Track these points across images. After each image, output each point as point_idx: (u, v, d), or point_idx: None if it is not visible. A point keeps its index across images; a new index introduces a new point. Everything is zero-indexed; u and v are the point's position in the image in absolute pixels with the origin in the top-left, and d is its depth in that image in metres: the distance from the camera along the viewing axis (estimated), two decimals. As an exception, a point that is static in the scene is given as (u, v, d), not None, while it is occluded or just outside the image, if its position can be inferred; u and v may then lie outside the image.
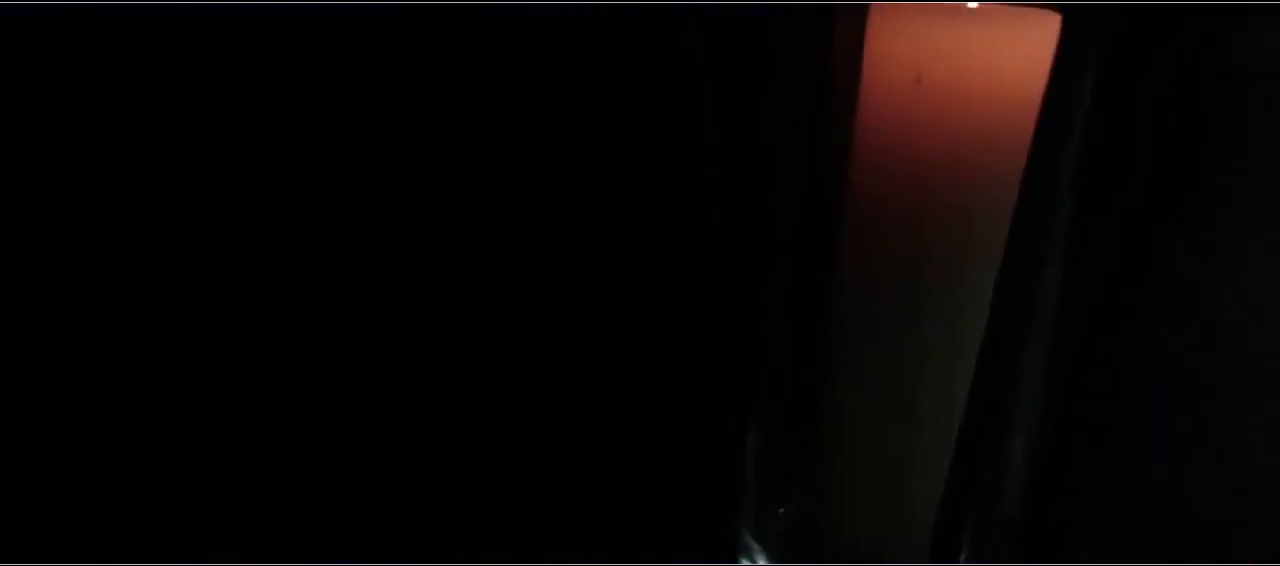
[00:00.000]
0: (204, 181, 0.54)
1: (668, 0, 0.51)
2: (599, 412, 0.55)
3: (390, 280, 0.55)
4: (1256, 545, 0.53)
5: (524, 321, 0.55)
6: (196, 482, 0.56)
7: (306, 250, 0.55)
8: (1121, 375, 0.54)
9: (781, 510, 0.50)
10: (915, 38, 0.47)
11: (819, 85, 0.49)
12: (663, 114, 0.53)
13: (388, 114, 0.54)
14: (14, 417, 0.55)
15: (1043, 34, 0.47)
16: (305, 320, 0.55)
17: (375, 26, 0.53)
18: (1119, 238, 0.50)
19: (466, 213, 0.55)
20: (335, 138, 0.54)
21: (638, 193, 0.54)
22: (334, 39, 0.53)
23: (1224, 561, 0.52)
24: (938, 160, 0.47)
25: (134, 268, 0.55)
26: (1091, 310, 0.50)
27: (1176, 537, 0.53)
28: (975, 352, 0.48)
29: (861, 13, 0.48)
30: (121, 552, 0.54)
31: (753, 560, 0.50)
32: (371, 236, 0.55)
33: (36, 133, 0.54)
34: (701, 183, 0.50)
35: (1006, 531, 0.49)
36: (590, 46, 0.53)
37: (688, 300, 0.53)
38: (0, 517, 0.55)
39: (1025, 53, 0.47)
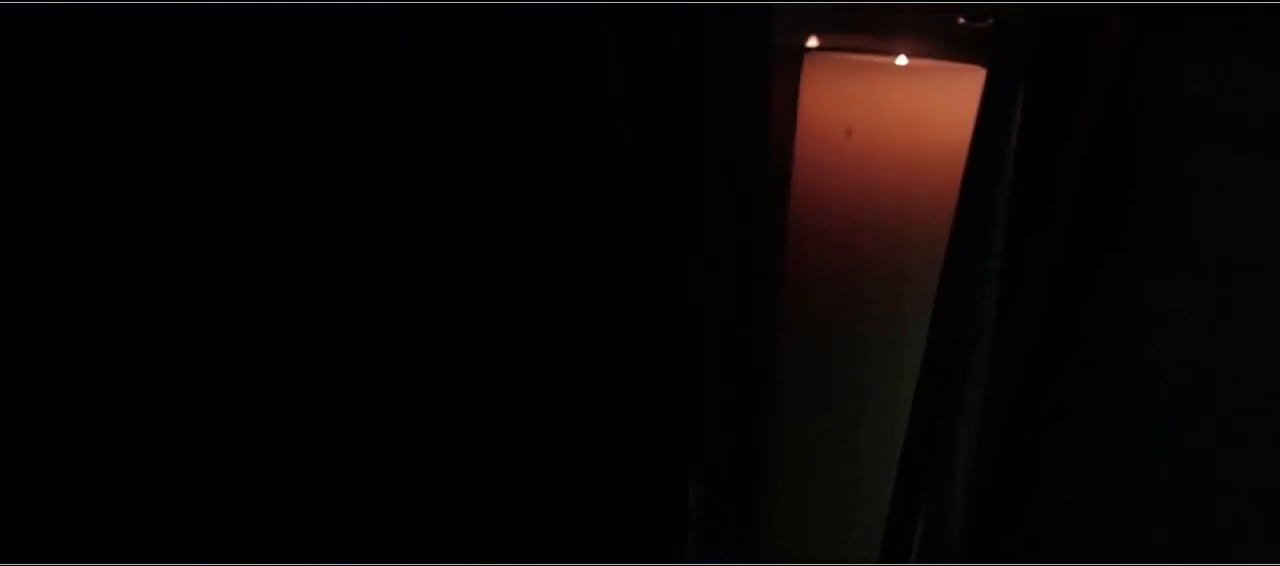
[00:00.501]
0: (166, 183, 0.55)
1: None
2: (538, 470, 0.56)
3: (327, 288, 0.56)
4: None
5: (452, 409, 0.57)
6: (159, 484, 0.56)
7: (259, 252, 0.56)
8: (1056, 418, 0.55)
9: (724, 562, 0.51)
10: (846, 91, 0.49)
11: (755, 134, 0.50)
12: (594, 162, 0.54)
13: (333, 120, 0.55)
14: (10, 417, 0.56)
15: (971, 89, 0.49)
16: (261, 323, 0.56)
17: (321, 31, 0.54)
18: (1050, 284, 0.51)
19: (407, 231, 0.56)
20: (284, 142, 0.55)
21: (575, 255, 0.55)
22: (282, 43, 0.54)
23: None
24: (870, 210, 0.49)
25: (100, 271, 0.56)
26: (1025, 355, 0.52)
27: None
28: (911, 397, 0.49)
29: (796, 64, 0.50)
30: (106, 552, 0.55)
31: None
32: (307, 242, 0.56)
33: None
34: (635, 234, 0.51)
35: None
36: (536, 81, 0.54)
37: (625, 352, 0.54)
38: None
39: (953, 107, 0.48)
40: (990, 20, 0.46)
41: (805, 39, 0.50)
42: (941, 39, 0.49)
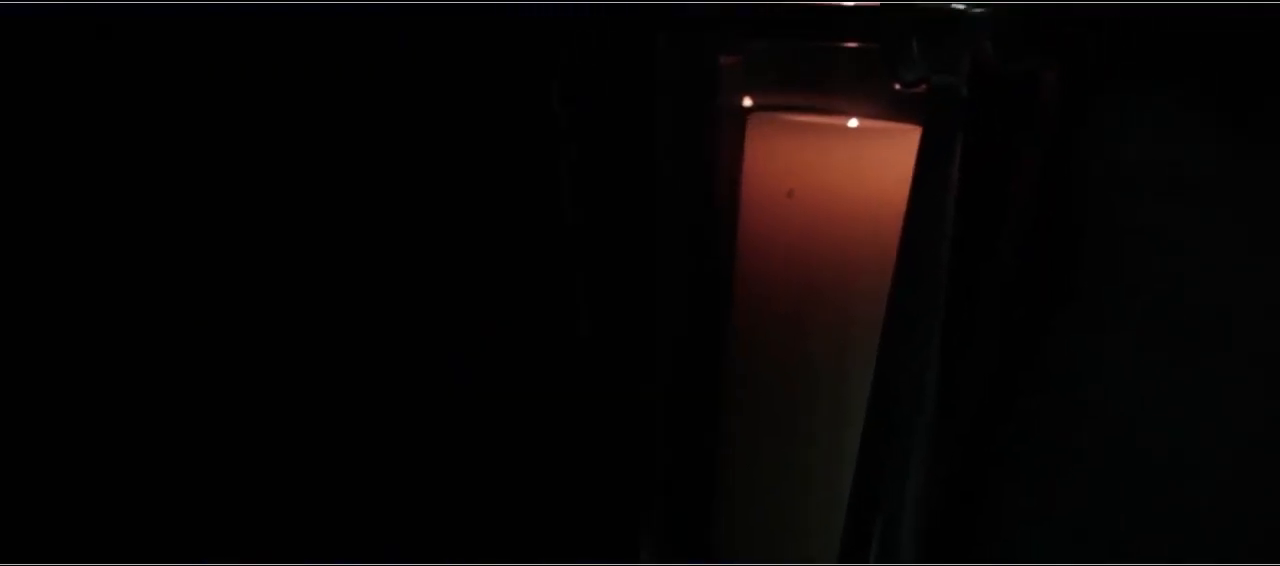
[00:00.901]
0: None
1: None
2: (493, 521, 0.57)
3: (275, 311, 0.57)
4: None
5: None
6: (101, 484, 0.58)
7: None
8: (1002, 467, 0.56)
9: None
10: (789, 151, 0.50)
11: (701, 192, 0.51)
12: (542, 223, 0.55)
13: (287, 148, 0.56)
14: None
15: (913, 149, 0.49)
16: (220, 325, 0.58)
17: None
18: (995, 336, 0.52)
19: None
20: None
21: (524, 314, 0.56)
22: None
23: None
24: (815, 269, 0.50)
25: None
26: (971, 407, 0.52)
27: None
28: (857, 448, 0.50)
29: (741, 123, 0.51)
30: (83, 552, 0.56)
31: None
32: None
33: None
34: (584, 292, 0.52)
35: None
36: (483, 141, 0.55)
37: (575, 411, 0.55)
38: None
39: (895, 167, 0.49)
40: (923, 85, 0.47)
41: (749, 98, 0.51)
42: (882, 100, 0.50)
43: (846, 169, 0.50)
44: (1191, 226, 0.56)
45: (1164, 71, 0.54)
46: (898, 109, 0.49)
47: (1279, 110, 0.56)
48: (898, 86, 0.47)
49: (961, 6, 0.47)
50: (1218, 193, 0.56)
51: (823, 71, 0.51)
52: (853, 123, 0.51)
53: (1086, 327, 0.56)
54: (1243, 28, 0.55)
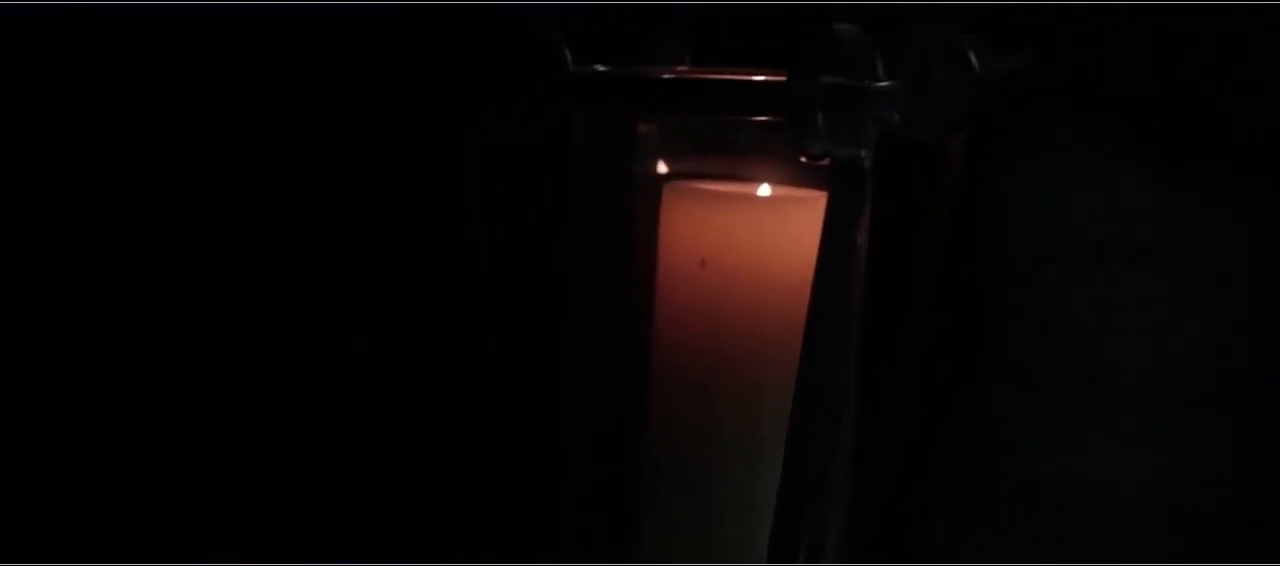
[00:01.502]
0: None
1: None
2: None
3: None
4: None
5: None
6: None
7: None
8: (921, 528, 0.57)
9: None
10: (701, 219, 0.51)
11: (617, 258, 0.52)
12: (457, 288, 0.56)
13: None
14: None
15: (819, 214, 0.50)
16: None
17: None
18: (909, 400, 0.53)
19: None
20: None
21: (438, 379, 0.57)
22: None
23: None
24: (727, 333, 0.51)
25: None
26: (888, 469, 0.53)
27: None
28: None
29: (655, 195, 0.52)
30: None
31: None
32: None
33: None
34: (497, 359, 0.53)
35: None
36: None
37: (488, 477, 0.56)
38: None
39: (806, 234, 0.50)
40: (828, 158, 0.48)
41: (663, 166, 0.52)
42: (796, 167, 0.50)
43: (758, 237, 0.51)
44: (1108, 284, 0.57)
45: (1080, 135, 0.55)
46: (812, 176, 0.50)
47: (1196, 170, 0.57)
48: (804, 159, 0.48)
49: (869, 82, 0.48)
50: (1135, 251, 0.57)
51: (736, 139, 0.52)
52: (764, 190, 0.51)
53: (1003, 387, 0.56)
54: (1159, 90, 0.56)
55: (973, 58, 0.50)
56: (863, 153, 0.48)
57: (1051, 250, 0.56)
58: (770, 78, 0.49)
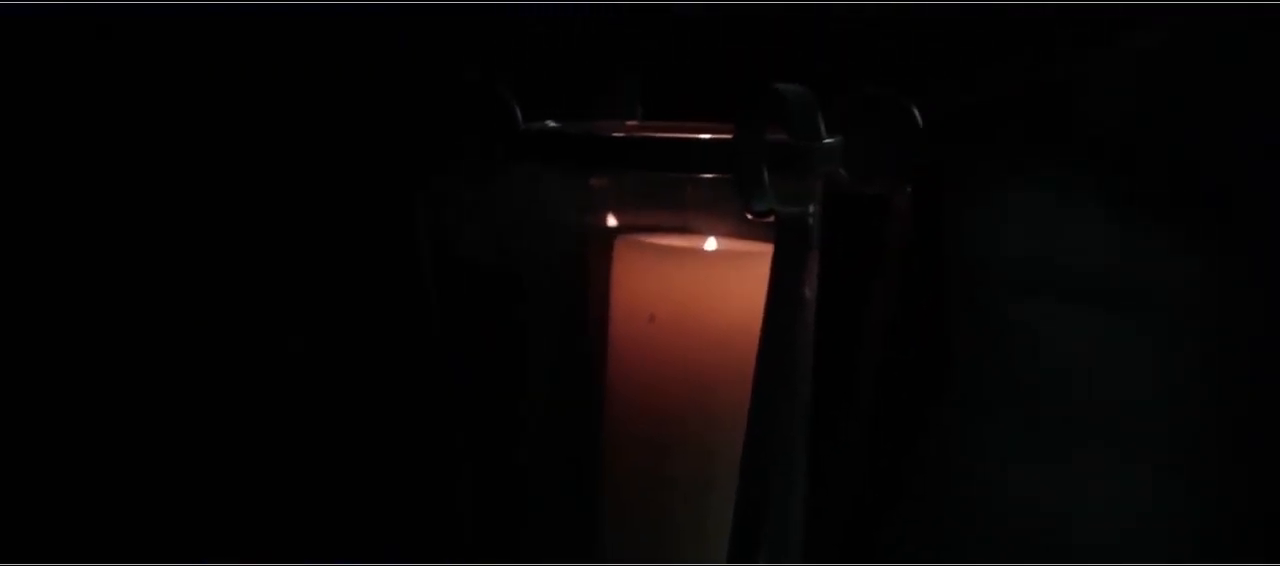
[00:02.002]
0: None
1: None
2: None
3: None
4: None
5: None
6: None
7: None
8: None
9: None
10: (648, 274, 0.51)
11: (569, 315, 0.53)
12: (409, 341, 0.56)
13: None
14: None
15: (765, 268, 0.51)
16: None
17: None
18: (865, 447, 0.53)
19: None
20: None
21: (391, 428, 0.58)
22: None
23: None
24: (678, 383, 0.51)
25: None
26: (843, 516, 0.53)
27: None
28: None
29: (607, 249, 0.52)
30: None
31: None
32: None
33: None
34: (454, 412, 0.53)
35: None
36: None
37: (444, 518, 0.56)
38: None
39: (756, 286, 0.50)
40: (772, 216, 0.48)
41: (613, 219, 0.53)
42: (745, 222, 0.51)
43: (706, 291, 0.51)
44: (1066, 320, 0.57)
45: (1037, 174, 0.55)
46: (762, 229, 0.50)
47: (1155, 206, 0.57)
48: (750, 217, 0.48)
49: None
50: (1093, 287, 0.58)
51: (684, 194, 0.52)
52: (711, 244, 0.52)
53: (963, 425, 0.57)
54: (1117, 127, 0.56)
55: (915, 111, 0.50)
56: (809, 209, 0.49)
57: (1015, 286, 0.57)
58: (717, 136, 0.49)
